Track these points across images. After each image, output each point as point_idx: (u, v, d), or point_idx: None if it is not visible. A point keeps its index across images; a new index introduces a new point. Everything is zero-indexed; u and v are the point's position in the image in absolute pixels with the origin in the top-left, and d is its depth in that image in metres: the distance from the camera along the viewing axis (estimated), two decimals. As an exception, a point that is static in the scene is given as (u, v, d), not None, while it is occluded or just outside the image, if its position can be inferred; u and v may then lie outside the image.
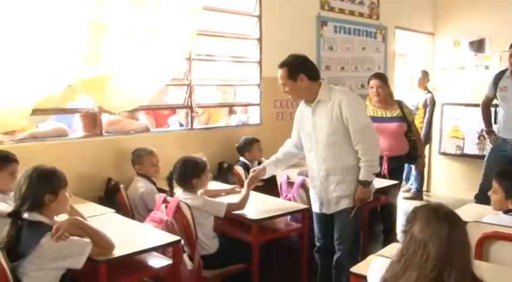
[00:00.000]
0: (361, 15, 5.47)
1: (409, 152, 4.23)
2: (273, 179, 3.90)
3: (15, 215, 2.05)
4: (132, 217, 3.05)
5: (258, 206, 3.14)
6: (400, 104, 4.23)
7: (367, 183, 2.88)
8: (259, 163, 3.63)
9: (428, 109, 6.10)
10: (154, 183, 3.42)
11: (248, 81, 4.58)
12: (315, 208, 3.05)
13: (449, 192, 6.28)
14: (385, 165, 4.01)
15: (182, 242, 2.58)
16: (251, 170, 3.17)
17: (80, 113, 3.45)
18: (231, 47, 4.88)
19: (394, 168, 4.09)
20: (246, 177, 3.93)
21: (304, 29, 4.85)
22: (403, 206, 5.47)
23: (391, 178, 3.95)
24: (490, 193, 2.68)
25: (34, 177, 2.07)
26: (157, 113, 4.33)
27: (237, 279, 3.12)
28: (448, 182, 6.56)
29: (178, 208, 2.75)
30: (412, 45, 6.96)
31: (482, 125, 5.06)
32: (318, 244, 3.14)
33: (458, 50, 6.43)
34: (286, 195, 3.61)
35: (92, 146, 3.42)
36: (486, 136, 5.00)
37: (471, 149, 6.33)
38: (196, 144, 3.86)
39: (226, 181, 3.73)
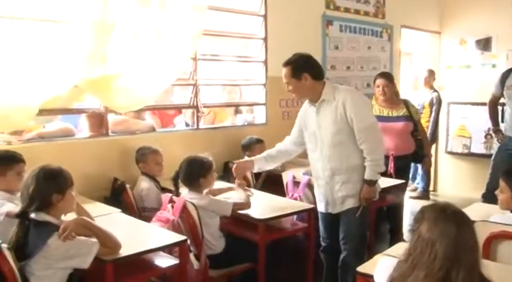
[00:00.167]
0: (366, 14, 5.45)
1: (415, 151, 4.22)
2: (278, 178, 3.91)
3: (22, 215, 2.06)
4: (139, 217, 3.05)
5: (264, 206, 3.14)
6: (406, 103, 4.21)
7: (372, 183, 2.87)
8: None
9: (434, 108, 6.07)
10: (158, 183, 3.43)
11: (254, 81, 4.57)
12: (320, 208, 3.05)
13: (456, 191, 6.25)
14: (391, 165, 4.00)
15: (188, 241, 2.58)
16: (235, 162, 3.17)
17: (86, 113, 3.47)
18: (237, 47, 4.88)
19: (401, 167, 4.08)
20: (252, 177, 3.96)
21: (310, 29, 4.85)
22: (410, 206, 5.45)
23: (397, 177, 3.93)
24: (497, 192, 2.66)
25: (41, 177, 2.08)
26: (163, 113, 4.34)
27: (243, 278, 3.12)
28: (455, 181, 6.53)
29: (184, 208, 2.76)
30: (418, 44, 6.93)
31: (489, 124, 5.03)
32: (323, 244, 3.14)
33: (465, 48, 6.39)
34: (292, 195, 3.61)
35: (98, 146, 3.43)
36: (493, 135, 4.97)
37: (478, 148, 6.30)
38: (202, 144, 3.86)
39: (232, 181, 3.73)
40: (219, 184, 3.37)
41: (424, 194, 6.28)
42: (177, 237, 2.50)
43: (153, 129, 3.83)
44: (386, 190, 3.59)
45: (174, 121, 4.40)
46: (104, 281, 2.16)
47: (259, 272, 2.95)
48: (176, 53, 3.45)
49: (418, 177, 6.38)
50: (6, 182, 2.52)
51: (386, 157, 3.90)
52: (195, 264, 2.72)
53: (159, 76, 3.39)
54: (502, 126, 4.50)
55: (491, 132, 5.46)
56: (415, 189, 6.38)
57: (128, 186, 3.27)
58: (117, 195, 3.27)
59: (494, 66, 6.13)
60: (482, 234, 2.19)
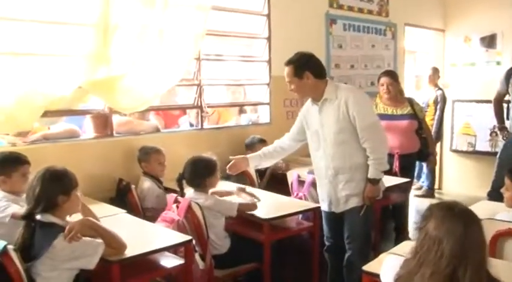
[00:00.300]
0: (370, 12, 5.44)
1: (420, 150, 4.21)
2: (283, 177, 3.91)
3: (28, 216, 2.07)
4: (143, 217, 3.06)
5: (269, 205, 3.14)
6: (410, 102, 4.20)
7: (376, 181, 2.87)
8: None
9: (439, 106, 6.05)
10: (161, 182, 3.44)
11: (258, 81, 4.57)
12: (324, 207, 3.04)
13: (461, 189, 6.23)
14: (396, 163, 4.00)
15: (194, 241, 2.59)
16: (231, 157, 3.17)
17: (90, 114, 3.47)
18: (240, 47, 4.88)
19: (406, 166, 4.08)
20: (256, 177, 3.96)
21: (313, 27, 4.84)
22: (415, 204, 5.44)
23: (402, 176, 3.93)
24: (502, 190, 2.65)
25: (47, 178, 2.09)
26: (167, 114, 4.34)
27: (248, 278, 3.13)
28: (460, 180, 6.51)
29: (189, 208, 2.76)
30: (422, 42, 6.90)
31: (494, 122, 5.01)
32: (327, 243, 3.14)
33: (469, 46, 6.37)
34: (297, 194, 3.61)
35: (103, 146, 3.44)
36: (498, 132, 4.95)
37: (483, 145, 6.27)
38: (207, 144, 3.86)
39: (236, 181, 3.73)
40: (223, 184, 3.37)
41: (429, 193, 6.27)
42: (182, 238, 2.51)
43: (157, 130, 3.84)
44: (391, 189, 3.58)
45: (179, 121, 4.41)
46: (110, 281, 2.17)
47: (265, 271, 2.95)
48: (180, 53, 3.45)
49: (423, 176, 6.37)
50: (11, 184, 2.53)
51: (391, 156, 3.90)
52: (201, 264, 2.73)
53: (163, 76, 3.40)
54: (507, 123, 4.48)
55: (496, 129, 5.44)
56: (420, 188, 6.37)
57: (133, 186, 3.28)
58: (122, 196, 3.27)
59: (499, 63, 6.10)
60: (488, 232, 2.16)
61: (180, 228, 2.73)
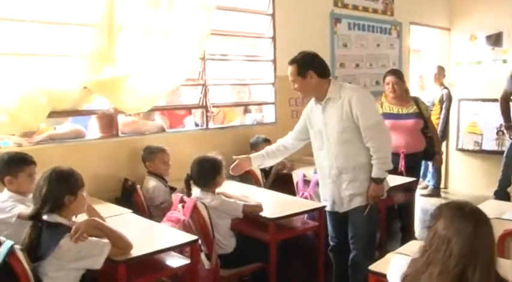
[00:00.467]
0: (375, 11, 5.42)
1: (426, 149, 4.20)
2: (289, 177, 3.91)
3: (35, 217, 2.08)
4: (149, 217, 3.06)
5: (275, 205, 3.14)
6: (416, 101, 4.19)
7: (379, 181, 2.86)
8: None
9: (444, 105, 6.03)
10: (166, 181, 3.44)
11: (263, 80, 4.57)
12: (327, 207, 3.04)
13: (468, 188, 6.20)
14: (402, 162, 3.99)
15: (199, 241, 2.59)
16: (234, 157, 3.17)
17: (96, 114, 3.48)
18: (245, 46, 4.88)
19: (411, 165, 4.06)
20: (262, 176, 3.95)
21: (318, 27, 4.83)
22: (421, 204, 5.42)
23: (408, 175, 3.91)
24: (510, 189, 2.64)
25: (53, 178, 2.09)
26: (172, 114, 4.35)
27: (254, 278, 3.12)
28: (466, 179, 6.48)
29: (195, 208, 2.76)
30: (427, 41, 6.88)
31: (500, 120, 5.00)
32: (331, 243, 3.13)
33: (475, 44, 6.34)
34: (302, 194, 3.60)
35: (108, 147, 3.45)
36: (505, 131, 4.94)
37: (489, 144, 6.24)
38: (212, 143, 3.86)
39: (242, 180, 3.73)
40: (228, 183, 3.36)
41: (435, 192, 6.24)
42: (188, 237, 2.51)
43: (162, 130, 3.84)
44: (396, 188, 3.57)
45: (184, 121, 4.41)
46: (116, 281, 2.17)
47: (271, 271, 2.95)
48: (185, 53, 3.46)
49: (428, 175, 6.34)
50: (18, 184, 2.54)
51: (397, 155, 3.89)
52: (206, 264, 2.72)
53: (168, 76, 3.40)
54: (514, 122, 4.46)
55: (503, 128, 5.42)
56: (426, 187, 6.34)
57: (138, 186, 3.28)
58: (127, 196, 3.28)
59: (505, 61, 6.07)
60: (495, 232, 2.13)
61: (185, 228, 2.73)
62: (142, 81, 3.27)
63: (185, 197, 2.90)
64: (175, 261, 2.53)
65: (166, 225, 2.78)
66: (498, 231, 2.24)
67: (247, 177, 3.79)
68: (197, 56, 3.65)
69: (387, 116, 3.95)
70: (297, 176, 3.76)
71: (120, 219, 2.73)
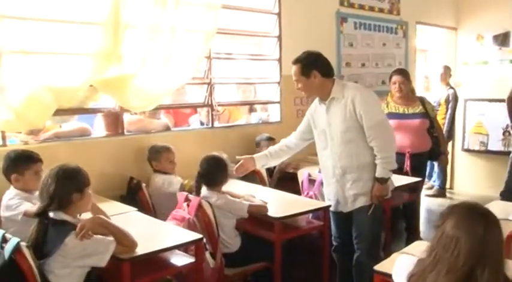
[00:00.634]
0: (381, 10, 5.40)
1: (431, 149, 4.18)
2: (293, 176, 3.90)
3: (42, 214, 2.08)
4: (154, 215, 3.07)
5: (280, 204, 3.14)
6: (422, 100, 4.18)
7: (384, 180, 2.85)
8: None
9: (450, 105, 6.00)
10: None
11: (268, 79, 4.57)
12: (331, 207, 3.03)
13: (473, 189, 6.17)
14: (407, 162, 3.97)
15: (204, 240, 2.59)
16: (237, 157, 3.16)
17: (102, 112, 3.49)
18: (251, 45, 4.88)
19: (417, 165, 4.04)
20: (266, 176, 3.95)
21: (324, 26, 4.82)
22: (426, 204, 5.41)
23: (413, 175, 3.90)
24: (516, 190, 2.62)
25: (61, 176, 2.10)
26: (178, 113, 4.35)
27: (259, 277, 3.12)
28: (472, 179, 6.45)
29: (199, 206, 2.76)
30: (434, 41, 6.85)
31: (507, 121, 4.97)
32: (335, 243, 3.13)
33: (482, 44, 6.30)
34: (307, 193, 3.60)
35: (114, 145, 3.45)
36: (511, 132, 4.90)
37: (496, 145, 6.21)
38: (217, 142, 3.86)
39: (247, 179, 3.73)
40: (234, 182, 3.36)
41: (441, 192, 6.22)
42: (193, 236, 2.51)
43: (168, 128, 3.84)
44: (402, 188, 3.56)
45: (189, 120, 4.41)
46: (121, 279, 2.18)
47: (275, 270, 2.95)
48: (190, 52, 3.46)
49: (434, 175, 6.32)
50: (24, 182, 2.56)
51: (403, 155, 3.88)
52: (211, 262, 2.72)
53: (173, 75, 3.40)
54: (520, 122, 4.44)
55: (509, 129, 5.39)
56: (431, 187, 6.32)
57: (143, 185, 3.29)
58: (133, 194, 3.29)
59: (512, 61, 6.04)
60: (502, 233, 2.15)
61: (190, 226, 2.73)
62: (148, 79, 3.27)
63: (190, 196, 2.90)
64: (180, 259, 2.53)
65: (171, 223, 2.79)
66: (504, 232, 2.21)
67: (253, 176, 3.79)
68: (203, 54, 3.65)
69: (393, 115, 3.94)
70: (302, 175, 3.76)
71: (125, 217, 2.74)
